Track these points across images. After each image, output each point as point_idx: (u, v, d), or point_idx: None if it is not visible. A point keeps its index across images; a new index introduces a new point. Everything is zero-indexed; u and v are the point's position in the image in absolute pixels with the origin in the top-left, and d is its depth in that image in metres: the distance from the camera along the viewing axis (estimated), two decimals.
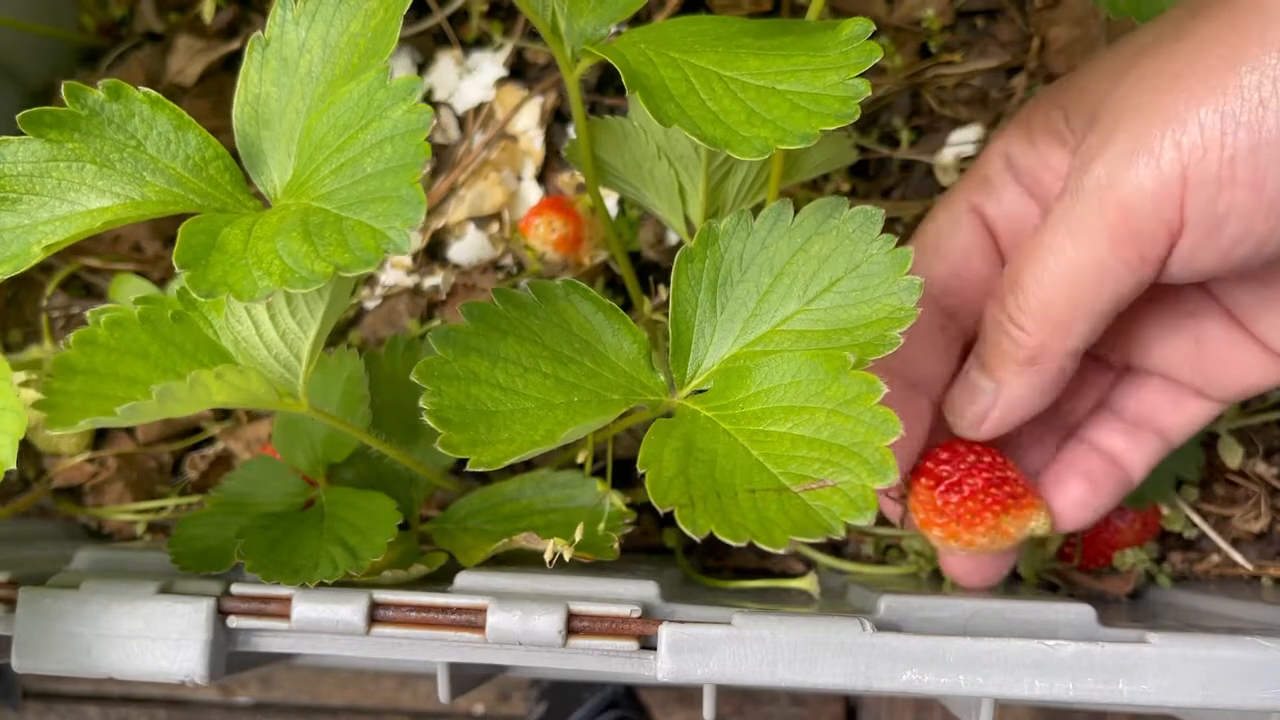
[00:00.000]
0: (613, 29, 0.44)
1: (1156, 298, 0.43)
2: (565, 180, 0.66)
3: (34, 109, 0.39)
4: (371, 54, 0.38)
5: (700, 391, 0.43)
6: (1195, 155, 0.34)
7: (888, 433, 0.37)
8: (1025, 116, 0.44)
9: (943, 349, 0.47)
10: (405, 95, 0.36)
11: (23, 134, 0.39)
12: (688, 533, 0.36)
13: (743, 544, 0.36)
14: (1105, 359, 0.47)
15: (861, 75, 0.38)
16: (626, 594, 0.41)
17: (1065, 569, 0.57)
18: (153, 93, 0.40)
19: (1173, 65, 0.36)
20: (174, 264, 0.34)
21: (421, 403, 0.40)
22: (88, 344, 0.40)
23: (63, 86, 0.39)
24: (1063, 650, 0.37)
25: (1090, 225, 0.37)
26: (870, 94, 0.37)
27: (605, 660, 0.40)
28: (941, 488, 0.45)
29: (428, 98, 0.68)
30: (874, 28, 0.39)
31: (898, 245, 0.41)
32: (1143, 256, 0.37)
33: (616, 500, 0.49)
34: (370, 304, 0.65)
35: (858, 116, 0.37)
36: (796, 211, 0.43)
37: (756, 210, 0.43)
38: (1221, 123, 0.34)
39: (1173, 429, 0.46)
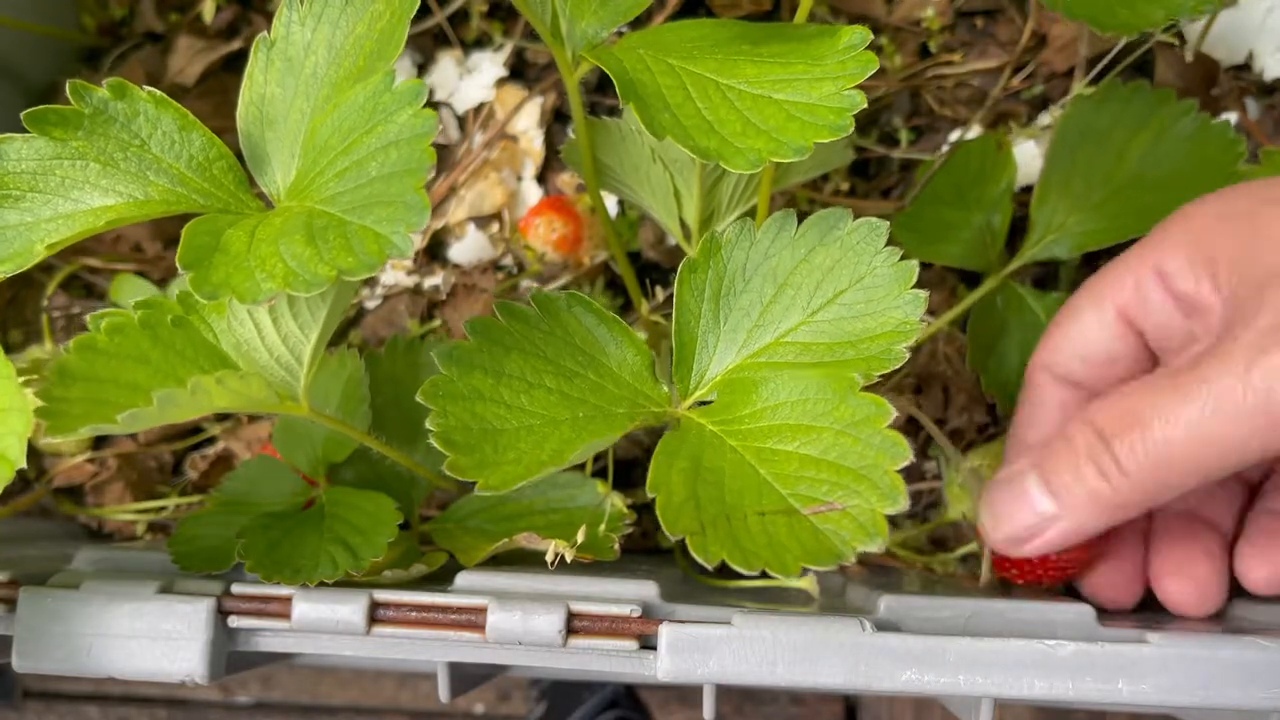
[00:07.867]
0: (614, 30, 0.44)
1: None
2: (565, 180, 0.66)
3: (39, 107, 0.39)
4: (377, 57, 0.38)
5: (704, 403, 0.43)
6: None
7: (897, 457, 0.37)
8: (1182, 240, 0.41)
9: (1052, 408, 0.45)
10: (411, 100, 0.36)
11: (26, 132, 0.39)
12: (700, 561, 0.36)
13: (755, 572, 0.36)
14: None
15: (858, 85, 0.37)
16: (626, 594, 0.41)
17: None
18: (157, 92, 0.40)
19: None
20: (177, 265, 0.34)
21: (428, 424, 0.40)
22: (88, 350, 0.40)
23: (67, 85, 0.39)
24: (1063, 650, 0.37)
25: (1233, 398, 0.35)
26: (865, 104, 0.37)
27: (605, 660, 0.40)
28: None
29: (428, 98, 0.68)
30: (871, 37, 0.39)
31: (902, 259, 0.41)
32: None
33: (617, 501, 0.49)
34: (370, 304, 0.65)
35: (852, 129, 0.37)
36: (801, 221, 0.43)
37: (753, 213, 0.43)
38: None
39: None
